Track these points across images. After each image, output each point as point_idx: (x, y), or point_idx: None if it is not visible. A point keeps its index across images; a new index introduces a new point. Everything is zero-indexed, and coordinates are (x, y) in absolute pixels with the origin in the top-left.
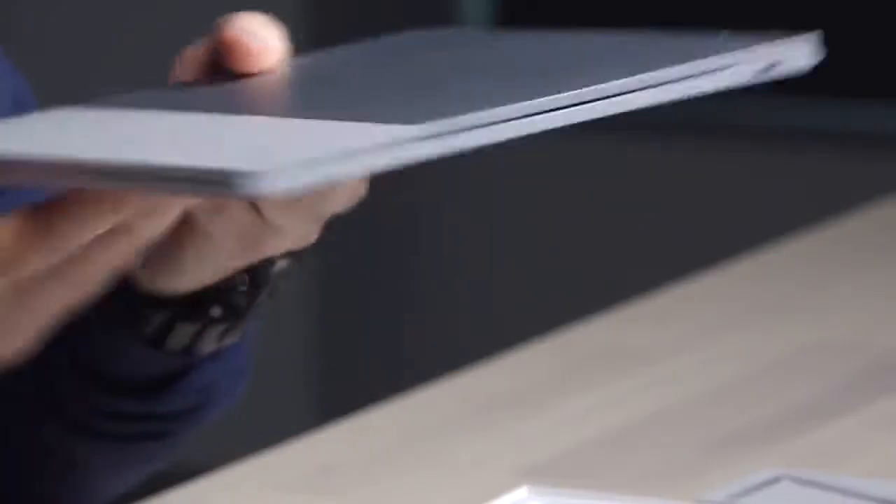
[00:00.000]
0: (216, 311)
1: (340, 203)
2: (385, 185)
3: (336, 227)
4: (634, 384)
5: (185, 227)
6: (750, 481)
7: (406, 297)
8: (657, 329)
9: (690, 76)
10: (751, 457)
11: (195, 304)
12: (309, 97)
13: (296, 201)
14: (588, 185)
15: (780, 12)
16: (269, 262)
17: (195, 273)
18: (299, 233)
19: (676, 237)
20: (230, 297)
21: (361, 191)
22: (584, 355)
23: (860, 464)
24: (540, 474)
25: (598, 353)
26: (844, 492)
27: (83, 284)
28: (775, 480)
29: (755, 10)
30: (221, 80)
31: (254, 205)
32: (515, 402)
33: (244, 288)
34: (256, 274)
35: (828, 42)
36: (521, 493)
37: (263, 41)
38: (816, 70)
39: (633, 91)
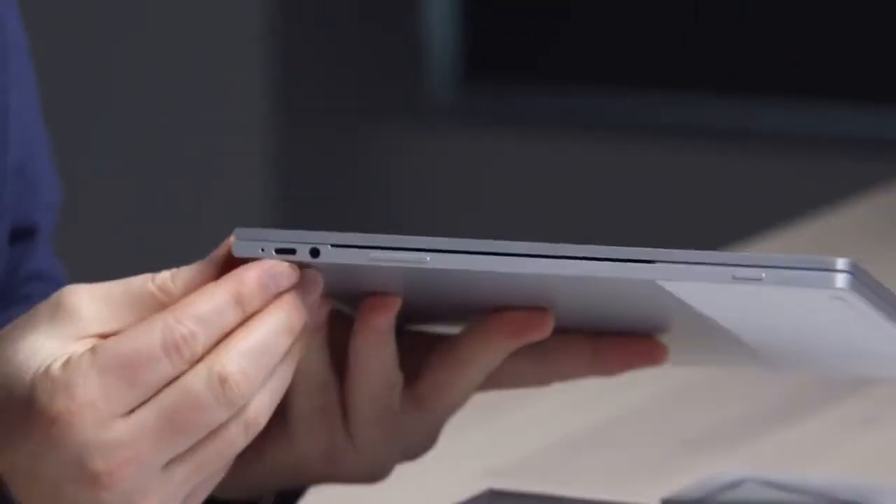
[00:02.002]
0: None
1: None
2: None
3: None
4: (598, 386)
5: (278, 429)
6: (714, 482)
7: None
8: None
9: None
10: (715, 458)
11: None
12: None
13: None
14: (583, 182)
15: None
16: (300, 492)
17: (261, 476)
18: (378, 463)
19: (665, 229)
20: None
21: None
22: None
23: (824, 464)
24: (503, 474)
25: None
26: (808, 492)
27: None
28: (739, 482)
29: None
30: None
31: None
32: (479, 404)
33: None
34: (286, 498)
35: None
36: (485, 494)
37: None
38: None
39: None
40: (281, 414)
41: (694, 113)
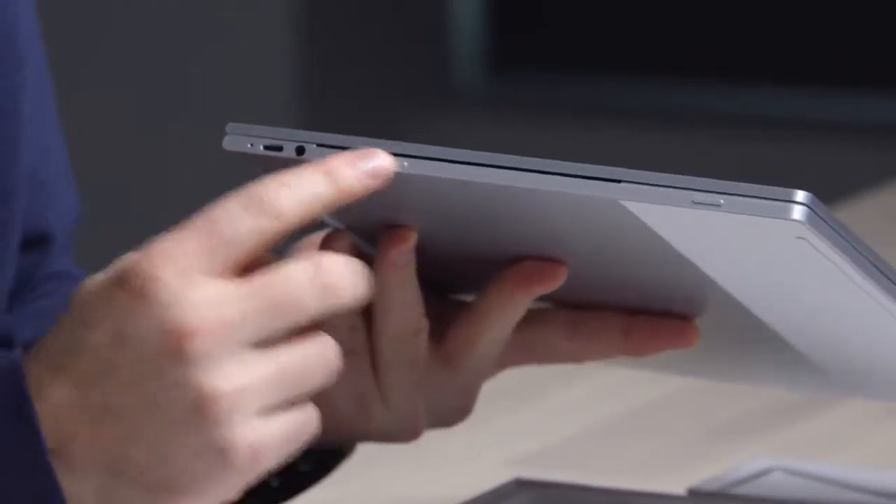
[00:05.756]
0: (275, 482)
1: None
2: None
3: None
4: (626, 374)
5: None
6: (742, 472)
7: None
8: None
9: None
10: (742, 447)
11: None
12: None
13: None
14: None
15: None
16: (341, 452)
17: None
18: (408, 419)
19: None
20: (293, 472)
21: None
22: None
23: (851, 453)
24: (530, 464)
25: None
26: (835, 482)
27: None
28: (767, 471)
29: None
30: None
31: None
32: (506, 393)
33: (307, 468)
34: (325, 456)
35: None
36: (511, 483)
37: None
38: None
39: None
40: None
41: (726, 100)
